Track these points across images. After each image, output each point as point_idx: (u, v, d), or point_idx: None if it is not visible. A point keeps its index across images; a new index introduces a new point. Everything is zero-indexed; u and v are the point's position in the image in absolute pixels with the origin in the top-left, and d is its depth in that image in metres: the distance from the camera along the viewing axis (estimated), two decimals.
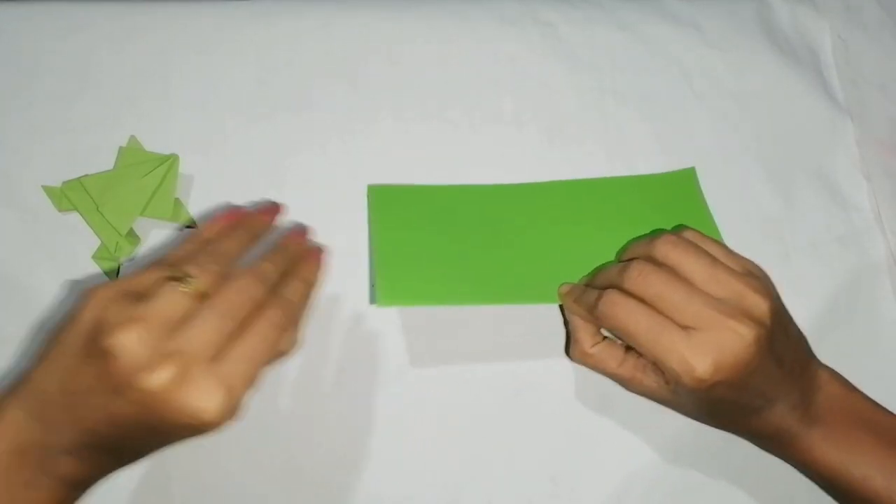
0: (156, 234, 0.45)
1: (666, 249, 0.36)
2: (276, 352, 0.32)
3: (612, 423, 0.44)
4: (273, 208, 0.42)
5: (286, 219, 0.46)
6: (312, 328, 0.41)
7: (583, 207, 0.46)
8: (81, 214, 0.44)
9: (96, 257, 0.44)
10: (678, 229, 0.38)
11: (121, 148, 0.46)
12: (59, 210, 0.45)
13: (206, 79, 0.48)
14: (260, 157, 0.47)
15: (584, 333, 0.40)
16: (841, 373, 0.46)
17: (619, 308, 0.35)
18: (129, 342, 0.28)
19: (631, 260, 0.37)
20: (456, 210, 0.45)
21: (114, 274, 0.44)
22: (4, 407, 0.31)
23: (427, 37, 0.49)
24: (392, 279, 0.42)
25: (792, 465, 0.39)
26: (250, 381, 0.30)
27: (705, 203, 0.47)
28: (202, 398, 0.29)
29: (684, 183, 0.47)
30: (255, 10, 0.49)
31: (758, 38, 0.51)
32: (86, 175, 0.45)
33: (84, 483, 0.33)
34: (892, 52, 0.50)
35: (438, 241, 0.44)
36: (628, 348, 0.39)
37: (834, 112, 0.51)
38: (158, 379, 0.28)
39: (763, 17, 0.52)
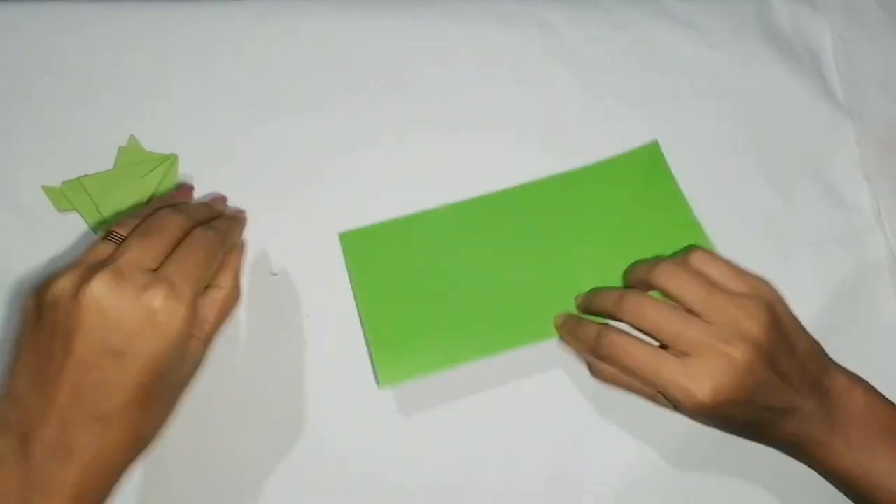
0: None
1: (665, 278, 0.37)
2: (212, 267, 0.34)
3: (612, 424, 0.44)
4: (186, 189, 0.43)
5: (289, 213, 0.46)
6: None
7: (558, 206, 0.46)
8: (81, 214, 0.44)
9: None
10: (685, 251, 0.38)
11: (121, 148, 0.46)
12: (59, 210, 0.45)
13: (206, 79, 0.48)
14: (259, 157, 0.47)
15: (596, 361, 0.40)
16: None
17: (617, 347, 0.36)
18: (58, 289, 0.31)
19: (626, 290, 0.38)
20: (433, 242, 0.45)
21: None
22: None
23: (427, 37, 0.49)
24: (390, 358, 0.42)
25: (815, 470, 0.39)
26: (192, 281, 0.32)
27: (672, 175, 0.47)
28: (149, 296, 0.30)
29: (650, 158, 0.47)
30: (255, 10, 0.49)
31: (758, 38, 0.51)
32: (86, 175, 0.45)
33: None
34: (892, 52, 0.50)
35: (423, 287, 0.44)
36: None
37: (834, 112, 0.51)
38: (93, 296, 0.30)
39: (763, 17, 0.52)
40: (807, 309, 0.46)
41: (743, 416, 0.36)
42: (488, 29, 0.50)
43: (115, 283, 0.30)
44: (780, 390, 0.36)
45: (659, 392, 0.36)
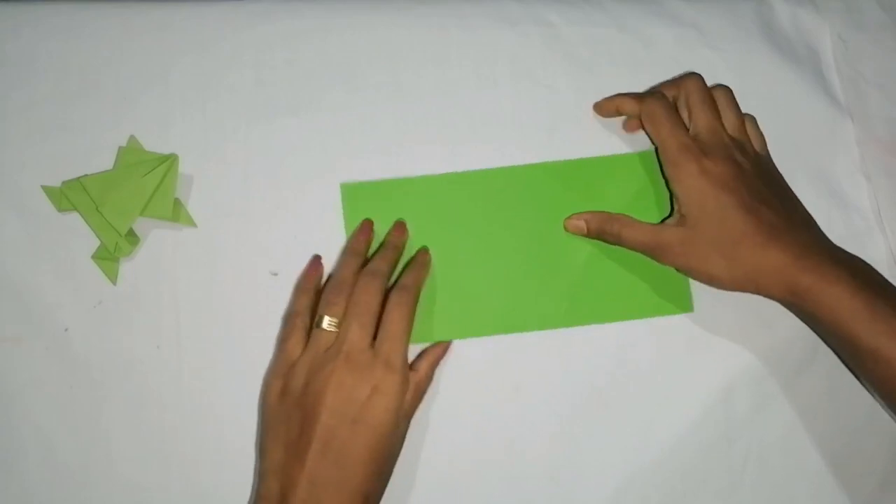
0: (156, 234, 0.45)
1: (690, 88, 0.44)
2: (411, 327, 0.40)
3: (612, 423, 0.44)
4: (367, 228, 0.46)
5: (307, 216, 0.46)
6: None
7: (559, 190, 0.47)
8: (81, 214, 0.44)
9: (96, 257, 0.44)
10: (713, 86, 0.45)
11: (120, 148, 0.46)
12: (59, 210, 0.45)
13: (205, 79, 0.48)
14: (260, 157, 0.47)
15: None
16: (841, 373, 0.46)
17: (657, 104, 0.44)
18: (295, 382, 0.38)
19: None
20: (432, 208, 0.46)
21: (114, 275, 0.44)
22: None
23: (427, 37, 0.49)
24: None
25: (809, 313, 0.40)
26: (402, 351, 0.39)
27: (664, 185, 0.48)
28: (372, 373, 0.37)
29: (647, 164, 0.48)
30: (255, 10, 0.49)
31: (758, 38, 0.51)
32: (85, 175, 0.45)
33: None
34: (892, 52, 0.50)
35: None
36: None
37: (834, 112, 0.51)
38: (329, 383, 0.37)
39: (763, 17, 0.52)
40: None
41: (734, 215, 0.40)
42: (488, 29, 0.50)
43: (346, 366, 0.37)
44: (764, 206, 0.41)
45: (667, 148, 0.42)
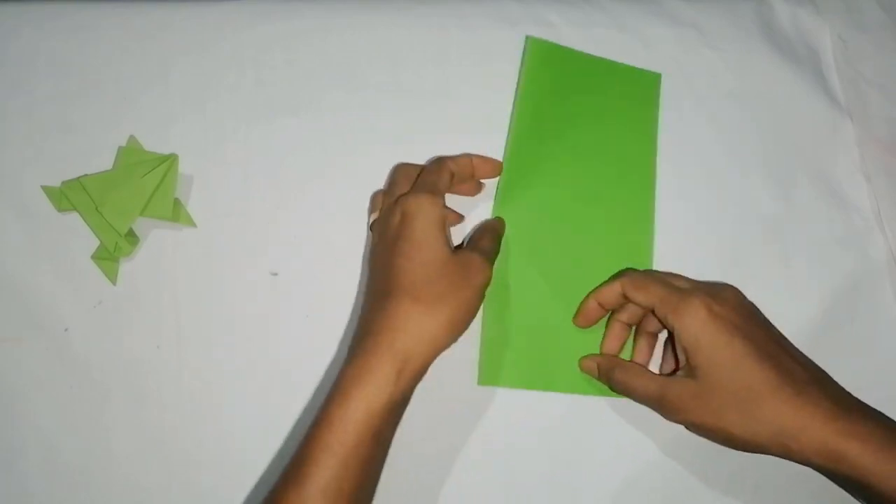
0: (156, 234, 0.45)
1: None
2: (451, 180, 0.42)
3: (612, 423, 0.44)
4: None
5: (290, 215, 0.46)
6: None
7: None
8: (81, 214, 0.44)
9: (96, 257, 0.44)
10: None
11: (120, 148, 0.46)
12: (59, 210, 0.45)
13: (205, 79, 0.48)
14: (259, 157, 0.47)
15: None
16: (841, 373, 0.46)
17: (639, 274, 0.42)
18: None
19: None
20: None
21: (114, 275, 0.44)
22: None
23: (427, 37, 0.49)
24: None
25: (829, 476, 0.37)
26: (430, 184, 0.41)
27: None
28: (408, 203, 0.40)
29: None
30: (255, 10, 0.49)
31: (758, 38, 0.51)
32: (85, 175, 0.45)
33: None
34: (892, 52, 0.50)
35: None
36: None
37: (834, 112, 0.51)
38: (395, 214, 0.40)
39: (763, 18, 0.52)
40: (807, 309, 0.46)
41: (749, 363, 0.36)
42: (488, 29, 0.50)
43: (388, 209, 0.41)
44: (782, 355, 0.37)
45: (669, 324, 0.39)
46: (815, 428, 0.35)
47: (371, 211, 0.44)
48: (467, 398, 0.44)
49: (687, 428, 0.39)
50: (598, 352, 0.44)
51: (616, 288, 0.42)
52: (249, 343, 0.44)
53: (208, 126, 0.47)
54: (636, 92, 0.49)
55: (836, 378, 0.45)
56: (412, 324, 0.36)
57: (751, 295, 0.45)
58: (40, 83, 0.47)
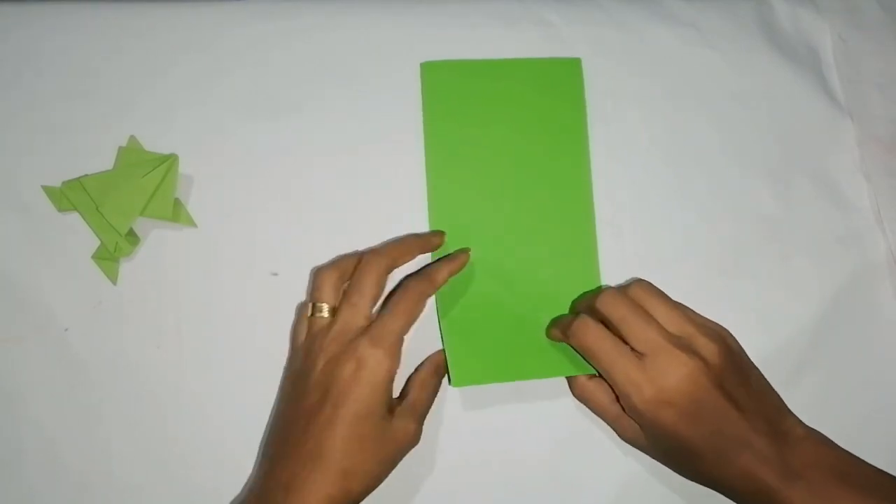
0: (156, 235, 0.45)
1: (638, 291, 0.40)
2: (416, 314, 0.40)
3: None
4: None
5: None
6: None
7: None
8: (81, 214, 0.44)
9: (96, 257, 0.44)
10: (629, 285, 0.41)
11: (121, 148, 0.46)
12: (59, 210, 0.45)
13: (206, 79, 0.48)
14: (260, 157, 0.47)
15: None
16: (841, 373, 0.46)
17: (588, 330, 0.39)
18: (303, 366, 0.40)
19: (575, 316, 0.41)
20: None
21: (114, 275, 0.44)
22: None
23: (427, 37, 0.49)
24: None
25: None
26: (393, 330, 0.38)
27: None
28: (364, 353, 0.37)
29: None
30: (255, 10, 0.49)
31: (758, 38, 0.51)
32: (86, 175, 0.45)
33: None
34: (892, 52, 0.50)
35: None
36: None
37: (834, 112, 0.51)
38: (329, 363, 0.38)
39: (763, 17, 0.52)
40: (807, 309, 0.46)
41: (690, 435, 0.37)
42: (489, 29, 0.50)
43: (334, 344, 0.38)
44: (729, 417, 0.37)
45: (612, 386, 0.39)
46: (759, 478, 0.36)
47: (300, 315, 0.42)
48: (467, 398, 0.44)
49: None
50: None
51: (560, 337, 0.42)
52: (249, 343, 0.44)
53: (208, 126, 0.47)
54: (556, 82, 0.48)
55: (835, 378, 0.46)
56: (324, 490, 0.36)
57: (751, 295, 0.45)
58: (40, 83, 0.47)
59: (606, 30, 0.50)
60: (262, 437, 0.42)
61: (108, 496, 0.42)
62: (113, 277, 0.44)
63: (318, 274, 0.41)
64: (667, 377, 0.37)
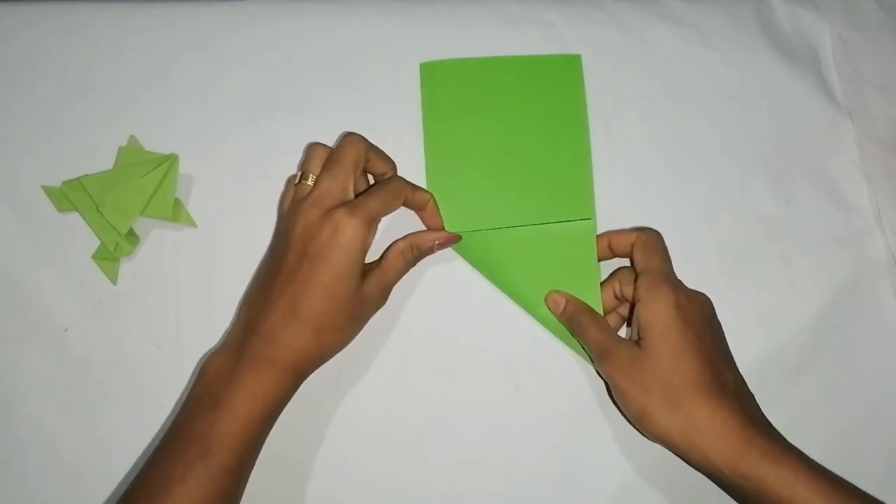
0: (156, 234, 0.45)
1: (648, 238, 0.43)
2: (393, 204, 0.42)
3: (612, 423, 0.44)
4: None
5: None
6: None
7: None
8: (81, 214, 0.44)
9: (96, 257, 0.44)
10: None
11: (121, 148, 0.46)
12: (59, 210, 0.45)
13: (206, 79, 0.48)
14: (260, 157, 0.47)
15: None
16: (841, 373, 0.46)
17: (652, 243, 0.43)
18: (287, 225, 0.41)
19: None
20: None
21: (114, 275, 0.44)
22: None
23: (427, 37, 0.49)
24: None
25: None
26: (370, 206, 0.40)
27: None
28: (333, 213, 0.39)
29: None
30: (255, 10, 0.49)
31: (758, 38, 0.51)
32: (86, 175, 0.45)
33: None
34: (892, 52, 0.50)
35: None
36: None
37: (834, 112, 0.51)
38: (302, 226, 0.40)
39: (763, 17, 0.52)
40: (807, 309, 0.46)
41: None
42: (488, 29, 0.50)
43: (312, 208, 0.40)
44: (718, 349, 0.40)
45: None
46: (726, 430, 0.37)
47: (288, 183, 0.44)
48: (467, 398, 0.44)
49: (612, 391, 0.41)
50: None
51: (630, 237, 0.43)
52: None
53: (208, 126, 0.47)
54: (556, 79, 0.49)
55: (835, 377, 0.46)
56: (299, 342, 0.38)
57: (751, 295, 0.45)
58: (40, 83, 0.47)
59: (606, 30, 0.50)
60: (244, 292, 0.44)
61: (108, 495, 0.42)
62: (113, 277, 0.44)
63: (310, 147, 0.43)
64: (689, 297, 0.40)
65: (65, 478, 0.42)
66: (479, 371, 0.44)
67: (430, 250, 0.44)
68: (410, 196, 0.43)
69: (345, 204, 0.40)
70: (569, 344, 0.44)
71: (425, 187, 0.46)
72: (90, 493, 0.42)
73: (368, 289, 0.41)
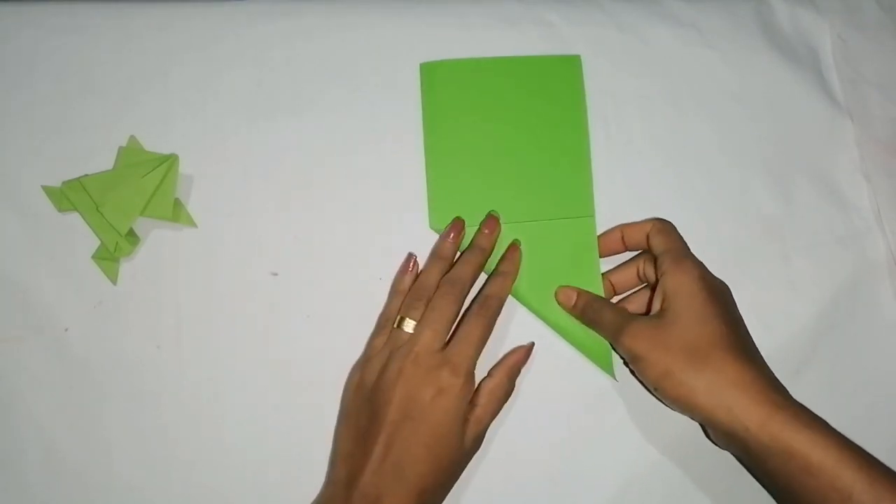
0: (156, 234, 0.45)
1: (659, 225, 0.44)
2: (486, 338, 0.41)
3: (612, 423, 0.44)
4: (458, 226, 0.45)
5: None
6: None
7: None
8: (81, 214, 0.44)
9: (96, 257, 0.44)
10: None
11: (121, 148, 0.46)
12: (59, 210, 0.45)
13: (206, 79, 0.48)
14: (260, 157, 0.47)
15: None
16: (841, 373, 0.46)
17: (668, 228, 0.44)
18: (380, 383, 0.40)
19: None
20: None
21: (114, 275, 0.44)
22: None
23: (427, 37, 0.49)
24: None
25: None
26: (469, 357, 0.40)
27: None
28: (437, 375, 0.39)
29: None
30: (255, 10, 0.49)
31: (758, 38, 0.51)
32: (86, 175, 0.45)
33: None
34: (892, 52, 0.50)
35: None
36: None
37: (834, 112, 0.51)
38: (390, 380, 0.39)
39: (763, 17, 0.52)
40: (807, 309, 0.46)
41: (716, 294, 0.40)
42: (488, 29, 0.50)
43: (414, 367, 0.39)
44: (739, 322, 0.40)
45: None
46: (754, 388, 0.37)
47: (384, 322, 0.43)
48: None
49: (630, 363, 0.41)
50: None
51: (645, 227, 0.44)
52: (249, 343, 0.44)
53: (208, 126, 0.47)
54: (556, 79, 0.48)
55: (835, 377, 0.46)
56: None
57: (751, 295, 0.45)
58: (40, 83, 0.47)
59: (606, 30, 0.50)
60: (334, 432, 0.42)
61: (108, 496, 0.42)
62: (113, 277, 0.44)
63: (410, 290, 0.43)
64: (712, 276, 0.42)
65: (65, 478, 0.42)
66: (479, 372, 0.44)
67: (520, 368, 0.43)
68: (500, 294, 0.43)
69: (446, 363, 0.39)
70: (568, 339, 0.44)
71: (425, 187, 0.46)
72: (90, 493, 0.42)
73: (468, 443, 0.40)
